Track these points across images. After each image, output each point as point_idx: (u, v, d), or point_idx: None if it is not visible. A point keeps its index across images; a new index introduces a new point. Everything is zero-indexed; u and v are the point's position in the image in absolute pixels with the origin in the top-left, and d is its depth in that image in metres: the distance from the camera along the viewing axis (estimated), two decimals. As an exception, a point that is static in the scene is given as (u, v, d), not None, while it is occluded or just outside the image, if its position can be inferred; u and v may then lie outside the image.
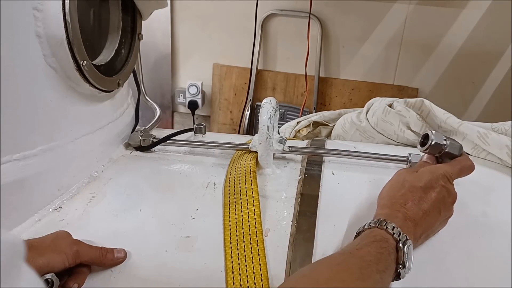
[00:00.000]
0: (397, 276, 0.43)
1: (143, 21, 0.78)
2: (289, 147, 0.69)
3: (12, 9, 0.47)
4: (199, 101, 1.95)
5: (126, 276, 0.48)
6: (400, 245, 0.43)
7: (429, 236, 0.50)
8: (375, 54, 1.77)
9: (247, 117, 1.87)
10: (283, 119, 1.84)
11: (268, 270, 0.47)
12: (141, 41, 0.77)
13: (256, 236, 0.51)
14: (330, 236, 0.52)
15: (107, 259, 0.48)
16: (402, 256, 0.43)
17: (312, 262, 0.48)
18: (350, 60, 1.81)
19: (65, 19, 0.52)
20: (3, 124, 0.48)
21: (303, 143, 0.79)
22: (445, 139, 0.54)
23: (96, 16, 0.67)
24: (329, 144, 0.76)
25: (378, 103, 0.84)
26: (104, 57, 0.69)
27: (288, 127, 1.04)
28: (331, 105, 1.86)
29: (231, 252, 0.50)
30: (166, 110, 2.02)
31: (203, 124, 0.80)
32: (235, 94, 1.92)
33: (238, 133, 1.91)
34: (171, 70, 1.94)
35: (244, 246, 0.50)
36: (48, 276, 0.42)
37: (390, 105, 0.82)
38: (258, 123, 0.64)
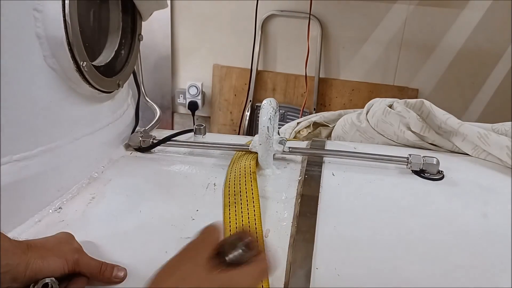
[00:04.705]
0: None
1: (143, 22, 0.78)
2: (289, 148, 0.68)
3: (12, 10, 0.47)
4: (199, 102, 1.95)
5: (126, 278, 0.48)
6: None
7: None
8: (375, 54, 1.77)
9: (247, 118, 1.87)
10: (283, 120, 1.84)
11: (268, 271, 0.47)
12: (141, 42, 0.77)
13: (256, 237, 0.51)
14: (330, 237, 0.52)
15: (104, 276, 0.46)
16: None
17: (312, 263, 0.48)
18: (350, 60, 1.81)
19: (65, 20, 0.52)
20: (3, 125, 0.48)
21: (303, 144, 0.79)
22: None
23: (96, 17, 0.67)
24: (329, 145, 0.76)
25: (378, 104, 0.84)
26: (104, 58, 0.69)
27: (288, 128, 1.04)
28: (331, 106, 1.86)
29: (231, 253, 0.49)
30: (166, 111, 2.02)
31: (203, 125, 0.80)
32: (235, 95, 1.92)
33: (238, 134, 1.91)
34: (171, 70, 1.94)
35: (244, 247, 0.50)
36: (47, 280, 0.42)
37: (390, 106, 0.82)
38: (258, 124, 0.64)
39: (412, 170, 0.66)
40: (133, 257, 0.50)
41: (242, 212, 0.55)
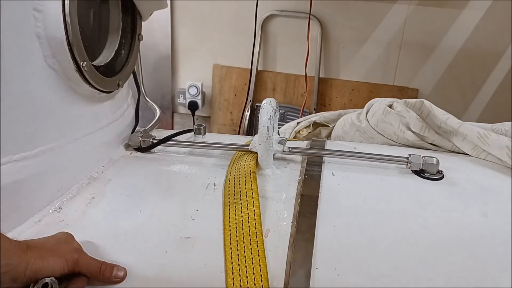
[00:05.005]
0: None
1: (143, 22, 0.78)
2: (289, 147, 0.68)
3: (12, 10, 0.47)
4: (199, 102, 1.95)
5: (126, 277, 0.48)
6: None
7: None
8: (375, 54, 1.77)
9: (247, 118, 1.87)
10: (283, 119, 1.84)
11: (268, 271, 0.47)
12: (141, 41, 0.77)
13: (256, 237, 0.51)
14: (330, 236, 0.52)
15: (104, 276, 0.46)
16: None
17: (312, 263, 0.48)
18: (350, 60, 1.81)
19: (65, 20, 0.52)
20: (3, 125, 0.48)
21: (303, 144, 0.79)
22: None
23: (96, 17, 0.67)
24: (329, 145, 0.76)
25: (378, 104, 0.84)
26: (104, 58, 0.69)
27: (288, 128, 1.04)
28: (331, 106, 1.86)
29: (231, 253, 0.50)
30: (166, 111, 2.02)
31: (203, 125, 0.80)
32: (235, 95, 1.92)
33: (238, 134, 1.91)
34: (171, 70, 1.94)
35: (244, 246, 0.50)
36: (47, 279, 0.42)
37: (390, 106, 0.82)
38: (258, 124, 0.64)
39: (412, 170, 0.66)
40: (133, 257, 0.50)
41: (242, 212, 0.55)
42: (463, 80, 1.76)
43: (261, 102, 0.67)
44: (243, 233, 0.52)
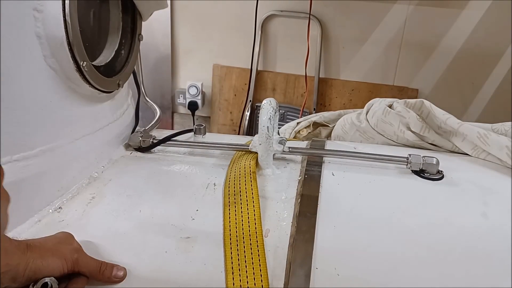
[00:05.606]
0: None
1: (143, 22, 0.78)
2: (289, 147, 0.68)
3: (12, 9, 0.47)
4: (199, 102, 1.95)
5: (126, 277, 0.48)
6: None
7: None
8: (375, 54, 1.77)
9: (247, 118, 1.87)
10: (283, 119, 1.84)
11: (268, 271, 0.47)
12: (141, 41, 0.77)
13: (256, 237, 0.51)
14: (330, 236, 0.52)
15: (103, 276, 0.46)
16: None
17: (312, 263, 0.48)
18: (350, 60, 1.81)
19: (65, 20, 0.52)
20: (3, 125, 0.48)
21: (303, 144, 0.79)
22: None
23: (96, 16, 0.67)
24: (329, 145, 0.76)
25: (378, 104, 0.84)
26: (104, 58, 0.69)
27: (288, 128, 1.04)
28: (331, 106, 1.86)
29: (231, 253, 0.50)
30: (166, 111, 2.02)
31: (203, 125, 0.80)
32: (235, 95, 1.92)
33: (238, 134, 1.91)
34: (171, 70, 1.94)
35: (244, 246, 0.50)
36: (47, 279, 0.42)
37: (390, 106, 0.82)
38: (258, 124, 0.64)
39: (412, 170, 0.66)
40: (133, 257, 0.50)
41: (242, 212, 0.55)
42: (463, 80, 1.76)
43: (261, 102, 0.67)
44: (243, 233, 0.52)
